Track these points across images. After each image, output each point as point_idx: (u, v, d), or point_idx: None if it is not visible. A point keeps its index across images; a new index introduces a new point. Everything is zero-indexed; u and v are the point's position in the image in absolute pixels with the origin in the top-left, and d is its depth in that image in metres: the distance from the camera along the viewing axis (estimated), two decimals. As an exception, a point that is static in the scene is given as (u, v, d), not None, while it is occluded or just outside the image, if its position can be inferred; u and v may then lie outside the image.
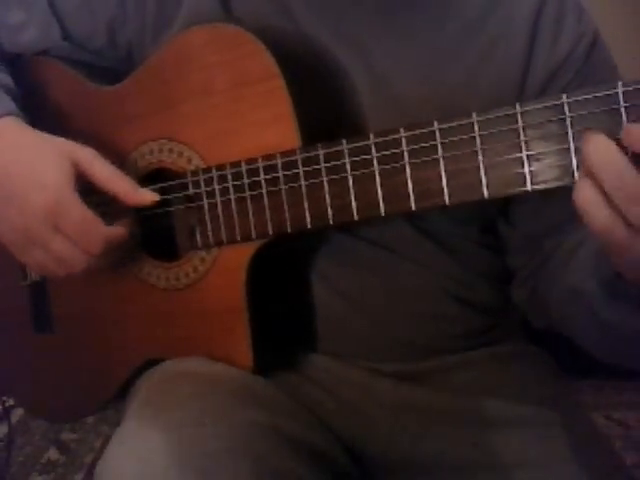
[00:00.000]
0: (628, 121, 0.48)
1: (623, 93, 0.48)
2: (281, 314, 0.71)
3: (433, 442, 0.70)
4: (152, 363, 0.72)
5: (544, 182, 0.52)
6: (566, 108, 0.50)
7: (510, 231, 0.72)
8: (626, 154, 0.46)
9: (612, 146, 0.46)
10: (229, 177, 0.66)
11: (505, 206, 0.71)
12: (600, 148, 0.46)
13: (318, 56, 0.67)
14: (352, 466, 0.69)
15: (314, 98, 0.65)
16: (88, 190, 0.68)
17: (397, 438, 0.71)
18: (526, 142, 0.52)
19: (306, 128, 0.63)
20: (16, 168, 0.67)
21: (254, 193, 0.65)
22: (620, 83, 0.48)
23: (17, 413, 1.49)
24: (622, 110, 0.48)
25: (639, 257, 0.47)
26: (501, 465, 0.66)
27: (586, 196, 0.47)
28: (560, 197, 0.65)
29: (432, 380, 0.73)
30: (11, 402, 0.94)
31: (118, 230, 0.68)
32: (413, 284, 0.71)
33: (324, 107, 0.66)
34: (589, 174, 0.47)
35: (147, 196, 0.69)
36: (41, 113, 0.73)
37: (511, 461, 0.66)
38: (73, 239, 0.66)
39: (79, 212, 0.66)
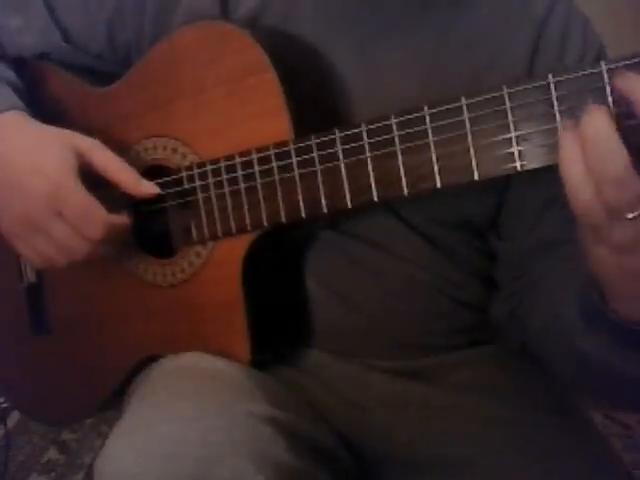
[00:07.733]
0: (612, 98, 0.49)
1: (607, 71, 0.49)
2: (278, 309, 0.71)
3: (431, 440, 0.70)
4: (150, 360, 0.72)
5: (533, 161, 0.53)
6: (552, 88, 0.51)
7: (501, 245, 0.72)
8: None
9: (607, 123, 0.46)
10: (223, 170, 0.66)
11: (496, 221, 0.71)
12: (598, 123, 0.47)
13: (313, 51, 0.67)
14: (352, 462, 0.69)
15: (307, 91, 0.66)
16: (88, 187, 0.68)
17: (395, 435, 0.71)
18: (514, 123, 0.53)
19: (299, 121, 0.63)
20: (18, 157, 0.68)
21: (248, 185, 0.65)
22: (603, 62, 0.49)
23: (16, 413, 1.48)
24: (607, 88, 0.49)
25: (615, 250, 0.48)
26: (499, 464, 0.66)
27: (577, 169, 0.47)
28: (554, 217, 0.66)
29: (431, 378, 0.73)
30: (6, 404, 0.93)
31: (118, 217, 0.69)
32: (406, 283, 0.71)
33: (317, 101, 0.67)
34: (582, 147, 0.47)
35: (150, 188, 0.70)
36: (36, 117, 0.73)
37: (510, 460, 0.66)
38: (74, 224, 0.67)
39: (80, 197, 0.66)
